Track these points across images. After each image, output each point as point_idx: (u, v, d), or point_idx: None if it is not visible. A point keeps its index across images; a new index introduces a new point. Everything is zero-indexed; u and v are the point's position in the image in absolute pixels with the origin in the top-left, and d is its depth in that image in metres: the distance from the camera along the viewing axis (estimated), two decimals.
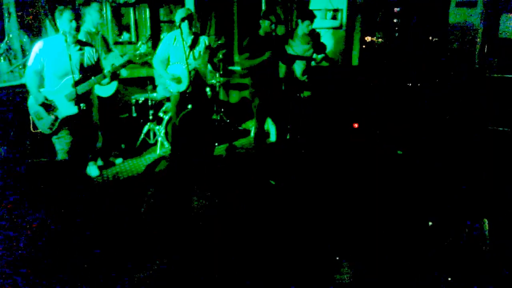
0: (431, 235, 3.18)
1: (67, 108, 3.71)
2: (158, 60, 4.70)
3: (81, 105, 3.66)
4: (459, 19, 5.32)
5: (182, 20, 4.48)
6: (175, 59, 4.65)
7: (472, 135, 5.13)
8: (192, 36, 4.65)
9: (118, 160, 5.16)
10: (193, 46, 4.64)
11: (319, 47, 5.22)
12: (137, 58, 4.07)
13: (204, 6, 6.86)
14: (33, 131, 3.82)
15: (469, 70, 5.38)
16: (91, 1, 4.57)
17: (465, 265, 2.77)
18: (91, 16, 4.48)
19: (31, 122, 3.80)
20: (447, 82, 5.41)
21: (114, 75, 3.93)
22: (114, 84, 4.74)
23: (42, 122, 3.77)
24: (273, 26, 4.66)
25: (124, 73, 4.99)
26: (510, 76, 5.14)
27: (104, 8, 6.04)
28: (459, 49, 5.37)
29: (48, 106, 3.70)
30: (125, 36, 5.74)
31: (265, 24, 4.66)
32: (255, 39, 4.69)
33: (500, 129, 5.18)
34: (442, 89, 5.40)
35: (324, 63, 5.47)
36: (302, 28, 5.04)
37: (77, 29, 3.66)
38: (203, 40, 4.74)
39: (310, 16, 5.05)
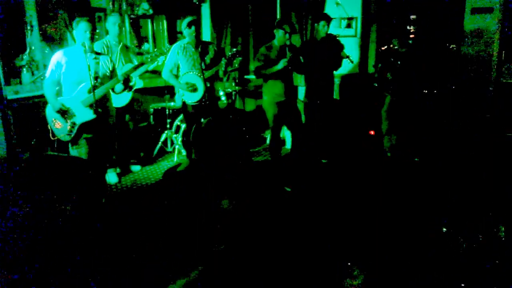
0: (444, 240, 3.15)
1: (84, 114, 3.79)
2: (168, 71, 4.62)
3: (99, 110, 3.73)
4: (475, 26, 5.28)
5: (189, 25, 4.40)
6: (186, 69, 4.56)
7: (489, 141, 5.07)
8: (201, 44, 4.58)
9: (136, 168, 5.25)
10: (203, 54, 4.57)
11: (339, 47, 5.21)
12: (149, 60, 4.11)
13: (220, 16, 6.97)
14: (52, 138, 3.92)
15: (485, 76, 5.33)
16: (107, 15, 4.71)
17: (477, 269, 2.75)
18: (109, 29, 4.63)
19: (50, 130, 3.91)
20: (463, 89, 5.36)
21: (127, 80, 3.98)
22: (129, 94, 4.81)
23: (60, 130, 3.86)
24: (287, 36, 4.66)
25: (142, 83, 5.09)
26: None
27: (124, 19, 6.20)
28: (475, 55, 5.32)
29: (64, 113, 3.79)
30: (145, 46, 5.89)
31: (279, 34, 4.67)
32: (270, 49, 4.72)
33: None
34: (458, 96, 5.35)
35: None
36: (320, 31, 5.05)
37: (91, 39, 3.77)
38: (212, 48, 4.71)
39: (325, 17, 5.06)
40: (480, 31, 5.22)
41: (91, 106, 3.74)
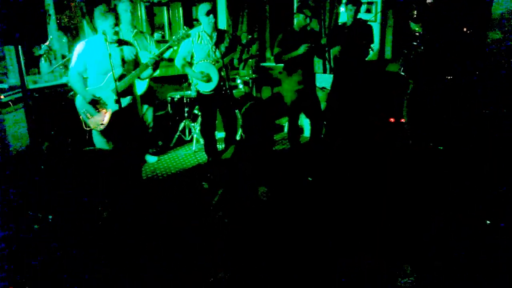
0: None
1: (115, 102, 3.77)
2: (181, 59, 4.51)
3: (129, 97, 3.75)
4: (503, 9, 5.11)
5: (207, 14, 4.28)
6: (201, 57, 4.45)
7: None
8: (216, 32, 4.46)
9: (153, 159, 5.22)
10: (218, 42, 4.44)
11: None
12: (176, 42, 4.06)
13: (236, 3, 6.88)
14: (85, 129, 3.93)
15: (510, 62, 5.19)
16: (118, 2, 4.60)
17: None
18: (121, 17, 4.48)
19: (82, 121, 3.92)
20: (486, 74, 5.23)
21: (156, 64, 3.95)
22: (145, 82, 4.75)
23: (93, 120, 3.87)
24: (307, 20, 4.60)
25: (160, 72, 5.04)
26: None
27: (138, 7, 6.15)
28: (502, 40, 5.17)
29: (96, 103, 3.80)
30: (155, 36, 5.82)
31: (299, 18, 4.60)
32: (290, 34, 4.65)
33: None
34: (481, 81, 5.22)
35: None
36: (348, 15, 4.93)
37: (117, 32, 3.75)
38: (227, 36, 4.57)
39: (353, 1, 4.91)
40: (508, 14, 5.05)
41: (122, 94, 3.75)
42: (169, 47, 4.02)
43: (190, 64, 4.56)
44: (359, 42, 5.00)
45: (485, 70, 5.05)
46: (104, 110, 3.82)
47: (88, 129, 3.93)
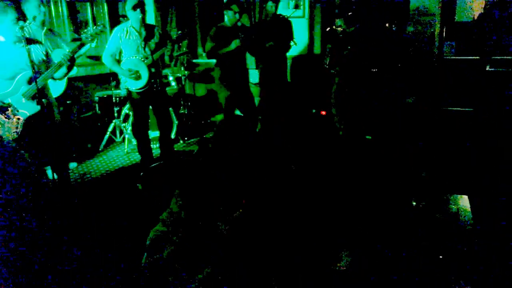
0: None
1: (28, 108, 3.45)
2: (109, 55, 4.32)
3: (43, 101, 3.43)
4: (418, 4, 5.48)
5: (134, 8, 4.13)
6: (129, 53, 4.29)
7: (433, 116, 5.32)
8: (145, 28, 4.31)
9: (72, 165, 4.89)
10: (148, 38, 4.31)
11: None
12: (89, 39, 3.76)
13: None
14: None
15: (428, 53, 5.57)
16: None
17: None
18: (30, 12, 4.16)
19: None
20: (408, 66, 5.56)
21: (71, 62, 3.59)
22: (63, 82, 4.42)
23: (5, 129, 3.45)
24: (237, 16, 4.61)
25: (76, 70, 4.71)
26: (467, 58, 5.39)
27: (59, 3, 5.80)
28: (418, 33, 5.54)
29: (5, 110, 3.40)
30: (89, 30, 5.51)
31: (228, 15, 4.60)
32: (221, 30, 4.63)
33: (458, 109, 5.41)
34: (403, 73, 5.54)
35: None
36: (268, 11, 5.03)
37: (22, 27, 3.26)
38: (157, 31, 4.44)
39: None
40: (424, 10, 5.43)
41: (33, 98, 3.45)
42: (82, 44, 3.74)
43: (119, 61, 4.38)
44: (279, 37, 5.13)
45: (405, 62, 5.38)
46: (16, 117, 3.45)
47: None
